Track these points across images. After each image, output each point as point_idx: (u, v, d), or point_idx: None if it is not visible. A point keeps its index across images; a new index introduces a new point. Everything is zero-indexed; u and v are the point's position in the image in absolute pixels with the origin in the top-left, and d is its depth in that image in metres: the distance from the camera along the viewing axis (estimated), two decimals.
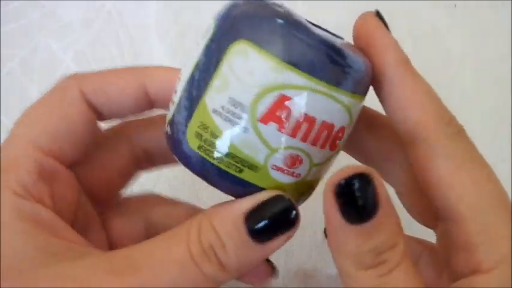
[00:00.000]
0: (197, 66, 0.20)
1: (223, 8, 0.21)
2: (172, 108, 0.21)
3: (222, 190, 0.21)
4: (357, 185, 0.18)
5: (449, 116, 0.21)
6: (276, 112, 0.19)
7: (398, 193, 0.25)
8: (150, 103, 0.24)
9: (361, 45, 0.22)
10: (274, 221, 0.20)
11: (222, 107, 0.19)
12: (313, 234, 0.37)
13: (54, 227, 0.20)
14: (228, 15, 0.20)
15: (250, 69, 0.19)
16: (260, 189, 0.20)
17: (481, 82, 0.43)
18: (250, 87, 0.19)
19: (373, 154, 0.25)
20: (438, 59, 0.44)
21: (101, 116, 0.24)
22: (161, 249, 0.20)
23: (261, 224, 0.20)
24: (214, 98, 0.20)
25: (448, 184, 0.20)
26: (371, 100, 0.23)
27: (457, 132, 0.21)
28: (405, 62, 0.22)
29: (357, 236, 0.19)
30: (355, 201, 0.18)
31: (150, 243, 0.21)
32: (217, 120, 0.20)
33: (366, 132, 0.25)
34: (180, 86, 0.21)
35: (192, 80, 0.20)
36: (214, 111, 0.20)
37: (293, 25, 0.19)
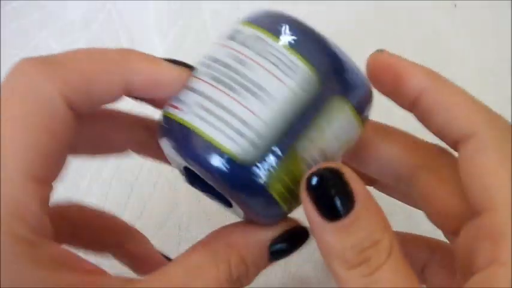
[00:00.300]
0: (294, 112, 0.20)
1: (313, 40, 0.20)
2: (238, 139, 0.19)
3: (254, 212, 0.21)
4: (327, 180, 0.19)
5: (493, 112, 0.22)
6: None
7: (421, 201, 0.25)
8: (127, 93, 0.22)
9: (381, 76, 0.23)
10: (292, 245, 0.22)
11: (311, 158, 0.20)
12: None
13: (71, 262, 0.20)
14: (329, 64, 0.20)
15: (346, 128, 0.21)
16: (284, 213, 0.21)
17: (481, 82, 0.43)
18: (341, 143, 0.21)
19: (390, 168, 0.25)
20: (438, 59, 0.44)
21: (75, 111, 0.22)
22: (192, 283, 0.20)
23: (282, 249, 0.22)
24: (306, 148, 0.20)
25: (492, 174, 0.21)
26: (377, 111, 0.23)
27: (504, 126, 0.22)
28: (432, 71, 0.22)
29: (336, 233, 0.19)
30: (329, 198, 0.19)
31: (176, 276, 0.20)
32: (304, 170, 0.20)
33: (381, 146, 0.25)
34: (252, 118, 0.19)
35: (286, 125, 0.20)
36: (304, 161, 0.20)
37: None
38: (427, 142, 0.25)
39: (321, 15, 0.47)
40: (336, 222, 0.19)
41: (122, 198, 0.38)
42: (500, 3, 0.47)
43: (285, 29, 0.20)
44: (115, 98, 0.22)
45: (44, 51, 0.44)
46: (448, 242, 0.25)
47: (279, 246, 0.22)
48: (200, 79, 0.21)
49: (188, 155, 0.20)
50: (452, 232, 0.24)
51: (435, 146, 0.24)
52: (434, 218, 0.25)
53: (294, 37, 0.20)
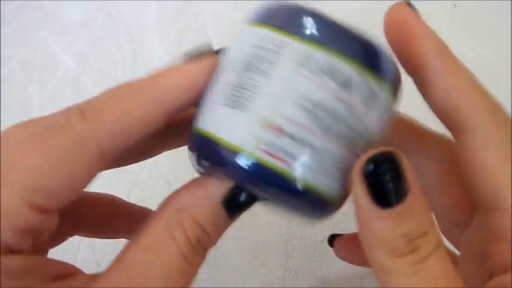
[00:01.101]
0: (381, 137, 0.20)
1: (389, 64, 0.20)
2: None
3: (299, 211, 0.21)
4: (384, 165, 0.18)
5: (495, 103, 0.21)
6: None
7: (427, 193, 0.25)
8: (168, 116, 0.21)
9: (395, 36, 0.21)
10: (249, 197, 0.21)
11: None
12: (313, 234, 0.37)
13: (38, 269, 0.19)
14: (399, 79, 0.21)
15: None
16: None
17: (481, 82, 0.43)
18: None
19: None
20: None
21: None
22: (154, 263, 0.19)
23: (239, 204, 0.20)
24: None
25: (497, 172, 0.20)
26: None
27: (505, 120, 0.21)
28: (446, 50, 0.21)
29: (388, 220, 0.18)
30: (384, 184, 0.18)
31: (136, 261, 0.19)
32: None
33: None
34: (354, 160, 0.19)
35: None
36: None
37: None
38: (431, 130, 0.24)
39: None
40: (389, 210, 0.18)
41: (122, 198, 0.38)
42: (500, 3, 0.47)
43: (382, 63, 0.20)
44: (157, 124, 0.21)
45: (44, 51, 0.44)
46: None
47: (234, 200, 0.20)
48: (305, 126, 0.19)
49: (287, 206, 0.21)
50: (457, 224, 0.23)
51: (441, 136, 0.24)
52: (443, 211, 0.24)
53: (383, 67, 0.20)
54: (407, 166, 0.18)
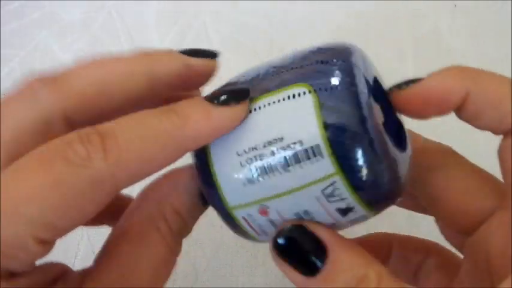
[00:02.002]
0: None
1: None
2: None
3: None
4: (295, 237, 0.19)
5: None
6: None
7: (431, 203, 0.25)
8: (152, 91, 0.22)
9: (416, 107, 0.22)
10: None
11: None
12: None
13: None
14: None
15: None
16: None
17: None
18: None
19: None
20: (438, 59, 0.44)
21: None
22: (143, 254, 0.20)
23: None
24: None
25: None
26: None
27: None
28: (468, 70, 0.22)
29: (320, 284, 0.19)
30: (302, 254, 0.19)
31: (125, 255, 0.20)
32: None
33: None
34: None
35: None
36: None
37: None
38: (430, 141, 0.24)
39: (321, 15, 0.47)
40: (318, 275, 0.19)
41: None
42: (500, 3, 0.47)
43: None
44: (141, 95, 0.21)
45: (44, 51, 0.44)
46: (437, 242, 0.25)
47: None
48: (287, 220, 0.21)
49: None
50: (465, 231, 0.23)
51: (440, 145, 0.24)
52: (447, 219, 0.24)
53: None
54: (316, 226, 0.19)
